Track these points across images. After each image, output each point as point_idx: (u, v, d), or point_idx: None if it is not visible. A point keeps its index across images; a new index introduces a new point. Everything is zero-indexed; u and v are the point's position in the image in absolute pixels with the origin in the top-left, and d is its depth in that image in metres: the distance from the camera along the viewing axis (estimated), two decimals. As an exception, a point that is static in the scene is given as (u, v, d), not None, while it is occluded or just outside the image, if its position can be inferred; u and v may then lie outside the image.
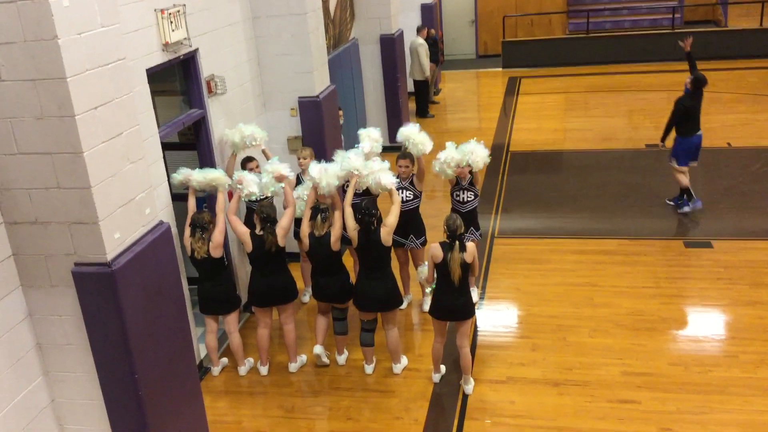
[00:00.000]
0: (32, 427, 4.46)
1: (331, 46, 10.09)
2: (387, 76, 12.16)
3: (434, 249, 5.79)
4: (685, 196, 9.14)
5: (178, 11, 6.10)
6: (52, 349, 4.51)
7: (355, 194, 6.30)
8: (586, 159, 11.59)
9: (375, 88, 12.23)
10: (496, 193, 10.26)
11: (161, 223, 4.73)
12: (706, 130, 12.23)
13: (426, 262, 6.08)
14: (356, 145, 6.86)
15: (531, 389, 6.03)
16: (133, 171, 4.42)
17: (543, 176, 11.10)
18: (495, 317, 7.23)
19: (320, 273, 6.29)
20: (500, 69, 18.38)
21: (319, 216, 6.08)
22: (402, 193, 6.85)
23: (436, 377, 6.23)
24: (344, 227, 6.13)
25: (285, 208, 6.35)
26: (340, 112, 9.10)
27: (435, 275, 5.87)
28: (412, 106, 14.55)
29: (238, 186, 6.33)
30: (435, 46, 15.22)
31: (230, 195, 6.82)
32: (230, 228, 6.29)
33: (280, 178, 6.41)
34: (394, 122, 12.30)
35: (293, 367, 6.55)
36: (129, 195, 4.37)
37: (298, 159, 7.08)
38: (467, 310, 5.87)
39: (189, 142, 7.09)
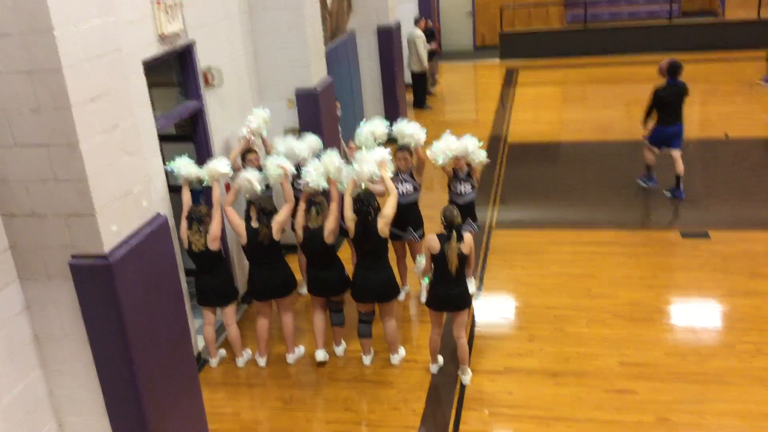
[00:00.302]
0: (30, 419, 4.47)
1: (328, 38, 10.06)
2: (384, 68, 12.13)
3: (431, 240, 5.79)
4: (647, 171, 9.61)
5: (175, 3, 6.08)
6: (50, 341, 4.51)
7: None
8: (583, 150, 11.59)
9: (372, 80, 12.20)
10: (493, 185, 10.26)
11: (158, 215, 4.72)
12: (703, 121, 12.26)
13: (424, 254, 6.09)
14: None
15: (528, 380, 6.05)
16: (130, 163, 4.41)
17: (540, 168, 11.09)
18: (492, 308, 7.24)
19: (315, 266, 6.28)
20: (498, 60, 18.35)
21: (314, 208, 6.07)
22: (401, 185, 6.86)
23: (434, 368, 6.25)
24: (342, 218, 6.13)
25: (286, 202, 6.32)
26: (338, 104, 9.09)
27: (432, 267, 5.88)
28: (409, 97, 14.53)
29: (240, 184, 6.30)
30: (431, 36, 15.19)
31: (227, 186, 6.82)
32: (226, 220, 6.28)
33: (283, 170, 6.33)
34: (391, 114, 12.27)
35: (291, 358, 6.56)
36: (126, 187, 4.37)
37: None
38: (464, 301, 5.89)
39: (186, 134, 7.08)
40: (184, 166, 6.19)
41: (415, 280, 7.50)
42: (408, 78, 14.29)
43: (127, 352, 4.35)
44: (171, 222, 5.87)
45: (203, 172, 6.25)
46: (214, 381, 6.43)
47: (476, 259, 7.90)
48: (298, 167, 6.84)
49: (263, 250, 6.14)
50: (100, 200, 4.12)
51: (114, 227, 4.24)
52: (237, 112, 7.41)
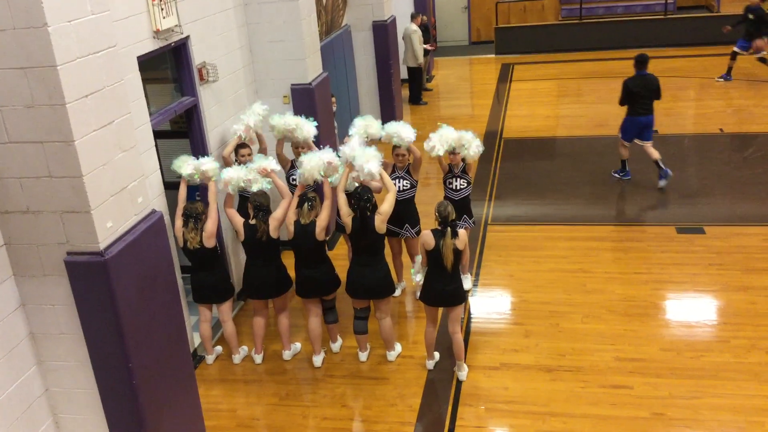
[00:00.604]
0: (26, 417, 4.46)
1: (323, 32, 10.03)
2: (380, 63, 12.11)
3: (425, 236, 5.80)
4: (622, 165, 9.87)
5: (169, -2, 6.06)
6: (46, 338, 4.49)
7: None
8: (579, 145, 11.59)
9: (368, 75, 12.18)
10: (489, 181, 10.26)
11: (154, 211, 4.71)
12: (698, 116, 12.28)
13: (419, 260, 6.06)
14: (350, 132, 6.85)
15: (524, 375, 6.06)
16: (125, 159, 4.40)
17: (536, 163, 11.10)
18: (488, 304, 7.25)
19: (304, 264, 6.21)
20: (493, 55, 18.33)
21: (305, 204, 6.05)
22: (399, 182, 6.86)
23: (430, 364, 6.25)
24: (338, 213, 6.11)
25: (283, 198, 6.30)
26: (333, 99, 9.07)
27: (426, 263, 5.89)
28: (405, 93, 14.51)
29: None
30: (427, 32, 15.16)
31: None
32: (223, 216, 6.27)
33: (264, 173, 6.31)
34: (387, 109, 12.27)
35: (287, 354, 6.56)
36: (121, 183, 4.35)
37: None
38: (458, 296, 5.90)
39: (181, 130, 7.06)
40: (186, 165, 6.18)
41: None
42: (404, 73, 14.27)
43: (123, 349, 4.34)
44: (167, 218, 5.85)
45: (249, 171, 6.25)
46: (211, 377, 6.42)
47: (472, 255, 7.91)
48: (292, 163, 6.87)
49: (261, 246, 6.13)
50: (96, 197, 4.10)
51: (109, 224, 4.23)
52: (232, 107, 7.39)
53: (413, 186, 6.99)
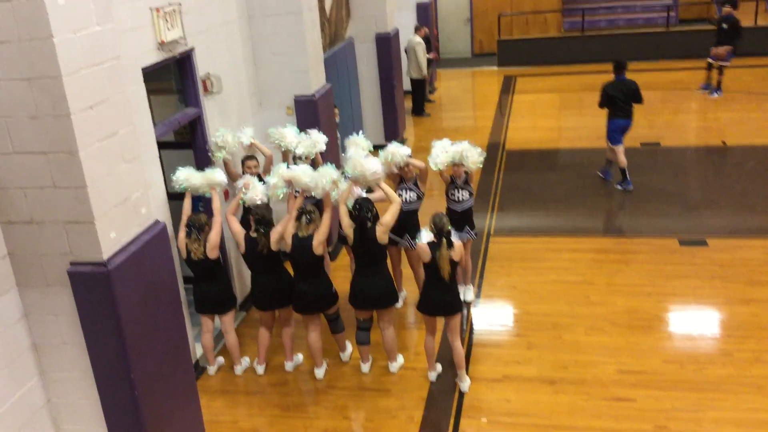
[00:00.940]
0: (28, 428, 4.45)
1: (326, 44, 10.08)
2: (383, 75, 12.16)
3: (422, 249, 5.82)
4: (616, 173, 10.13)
5: (174, 10, 6.09)
6: (48, 349, 4.50)
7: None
8: (581, 157, 11.59)
9: (371, 87, 12.23)
10: (491, 192, 10.27)
11: (157, 222, 4.72)
12: (700, 129, 12.30)
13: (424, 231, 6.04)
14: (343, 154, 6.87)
15: (527, 387, 6.04)
16: (129, 170, 4.41)
17: (539, 174, 11.10)
18: (490, 315, 7.24)
19: (301, 278, 6.17)
20: (496, 68, 18.39)
21: (303, 217, 6.03)
22: (406, 193, 6.89)
23: (432, 375, 6.24)
24: (340, 225, 6.12)
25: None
26: (336, 111, 9.10)
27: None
28: (408, 104, 14.55)
29: (243, 190, 6.33)
30: (429, 44, 15.22)
31: (226, 194, 6.82)
32: (226, 227, 6.28)
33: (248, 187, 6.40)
34: (389, 121, 12.31)
35: (289, 366, 6.55)
36: (124, 194, 4.37)
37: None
38: (456, 305, 5.92)
39: (185, 141, 7.08)
40: (189, 177, 6.21)
41: (412, 287, 7.48)
42: (407, 85, 14.32)
43: (126, 360, 4.34)
44: (170, 229, 5.86)
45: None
46: (213, 389, 6.41)
47: (474, 267, 7.90)
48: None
49: (262, 259, 6.13)
50: (99, 207, 4.12)
51: (113, 234, 4.24)
52: (236, 118, 7.41)
53: (420, 198, 7.02)
